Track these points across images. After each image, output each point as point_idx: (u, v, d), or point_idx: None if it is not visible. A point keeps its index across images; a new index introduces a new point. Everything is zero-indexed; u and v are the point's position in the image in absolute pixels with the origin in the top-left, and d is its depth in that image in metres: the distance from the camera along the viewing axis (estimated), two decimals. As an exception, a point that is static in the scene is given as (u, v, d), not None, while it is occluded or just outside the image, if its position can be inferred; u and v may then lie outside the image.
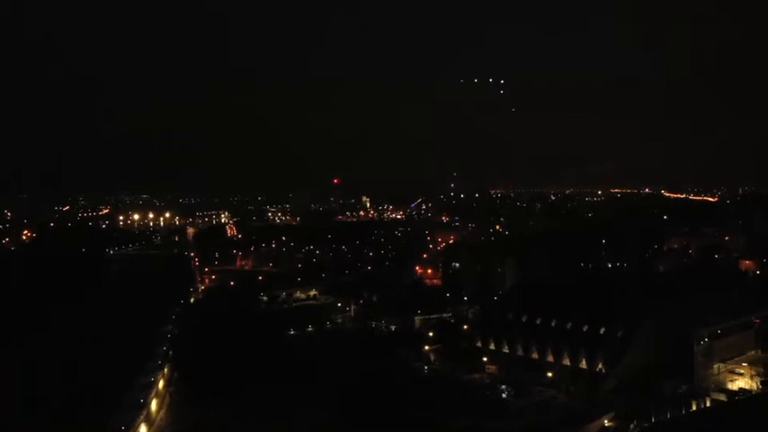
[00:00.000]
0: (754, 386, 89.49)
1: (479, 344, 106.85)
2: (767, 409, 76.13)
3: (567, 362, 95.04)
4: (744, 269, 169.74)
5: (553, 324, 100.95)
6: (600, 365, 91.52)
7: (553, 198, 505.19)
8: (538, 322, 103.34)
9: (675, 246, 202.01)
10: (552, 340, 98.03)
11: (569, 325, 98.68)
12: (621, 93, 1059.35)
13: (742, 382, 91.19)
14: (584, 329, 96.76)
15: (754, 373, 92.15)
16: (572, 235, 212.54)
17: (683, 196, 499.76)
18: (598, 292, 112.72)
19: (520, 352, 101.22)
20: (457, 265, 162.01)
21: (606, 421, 78.73)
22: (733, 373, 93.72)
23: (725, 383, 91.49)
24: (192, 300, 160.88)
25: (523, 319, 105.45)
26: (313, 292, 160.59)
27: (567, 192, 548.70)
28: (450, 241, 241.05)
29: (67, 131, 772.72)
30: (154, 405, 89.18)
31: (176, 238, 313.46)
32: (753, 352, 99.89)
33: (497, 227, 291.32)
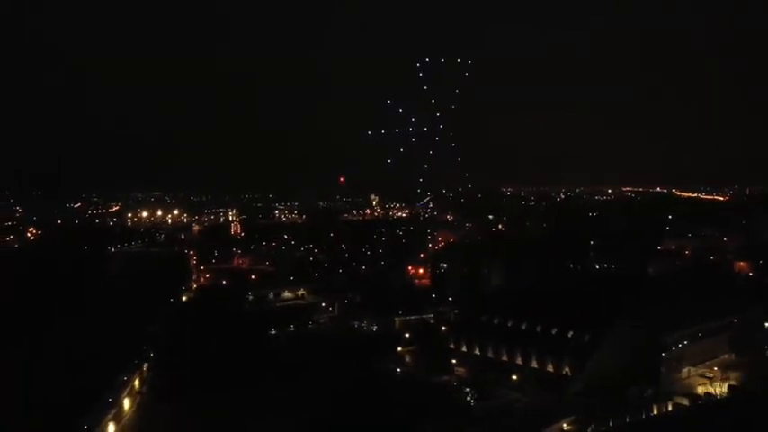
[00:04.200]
0: (722, 390, 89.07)
1: (452, 346, 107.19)
2: (724, 414, 75.72)
3: (535, 365, 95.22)
4: (738, 271, 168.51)
5: (524, 327, 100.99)
6: (567, 369, 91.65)
7: (562, 197, 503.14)
8: (509, 325, 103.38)
9: (673, 247, 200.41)
10: (522, 343, 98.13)
11: (539, 328, 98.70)
12: (636, 92, 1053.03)
13: (710, 386, 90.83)
14: (552, 333, 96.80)
15: (723, 377, 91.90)
16: (568, 235, 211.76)
17: (695, 195, 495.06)
18: (576, 295, 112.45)
19: (491, 354, 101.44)
20: (445, 266, 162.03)
21: (565, 424, 78.87)
22: (703, 377, 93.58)
23: (694, 387, 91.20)
24: (183, 298, 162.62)
25: (495, 322, 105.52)
26: (301, 292, 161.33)
27: (576, 191, 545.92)
28: (451, 241, 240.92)
29: (79, 130, 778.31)
30: (126, 403, 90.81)
31: (181, 236, 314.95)
32: (726, 356, 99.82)
33: (500, 226, 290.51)
